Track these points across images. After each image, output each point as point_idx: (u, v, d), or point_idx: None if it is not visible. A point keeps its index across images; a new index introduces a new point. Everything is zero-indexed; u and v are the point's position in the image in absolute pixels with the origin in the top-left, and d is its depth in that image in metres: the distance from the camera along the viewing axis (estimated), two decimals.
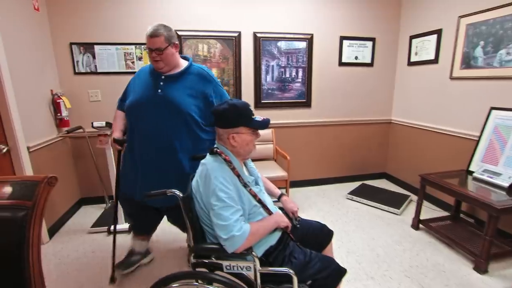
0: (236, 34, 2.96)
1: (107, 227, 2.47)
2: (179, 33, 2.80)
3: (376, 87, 3.50)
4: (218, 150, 1.25)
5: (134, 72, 2.77)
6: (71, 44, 2.65)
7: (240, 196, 1.19)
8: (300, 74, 3.20)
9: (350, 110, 3.47)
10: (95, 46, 2.68)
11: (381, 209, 2.88)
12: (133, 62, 2.79)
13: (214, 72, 3.00)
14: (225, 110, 1.22)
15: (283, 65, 3.14)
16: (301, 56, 3.15)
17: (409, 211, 2.83)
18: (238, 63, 3.03)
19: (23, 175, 2.13)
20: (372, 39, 3.33)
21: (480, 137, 2.39)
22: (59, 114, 2.58)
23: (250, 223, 1.17)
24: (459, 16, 2.63)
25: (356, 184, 3.48)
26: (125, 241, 2.29)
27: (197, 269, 1.29)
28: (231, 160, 1.24)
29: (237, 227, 1.10)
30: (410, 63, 3.28)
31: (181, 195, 1.23)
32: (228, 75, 3.05)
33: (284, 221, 1.30)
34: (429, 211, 2.81)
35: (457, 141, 2.72)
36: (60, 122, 2.61)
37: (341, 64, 3.31)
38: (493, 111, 2.35)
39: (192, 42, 2.87)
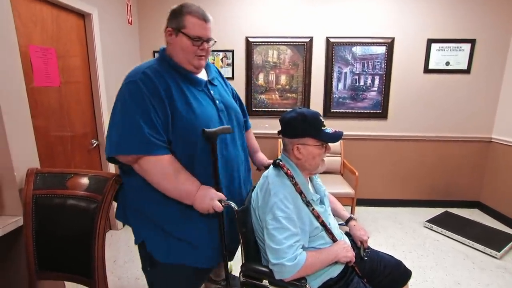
0: (307, 40, 2.85)
1: None
2: (250, 39, 2.84)
3: (473, 98, 2.93)
4: (280, 162, 1.15)
5: None
6: (154, 52, 2.94)
7: (300, 217, 1.07)
8: (377, 82, 2.89)
9: (437, 125, 2.98)
10: None
11: (472, 247, 2.34)
12: None
13: (283, 79, 2.95)
14: (292, 118, 1.12)
15: (357, 72, 2.89)
16: (378, 62, 2.85)
17: None
18: (308, 70, 2.91)
19: (101, 169, 2.42)
20: (471, 41, 2.80)
21: None
22: None
23: (308, 253, 1.04)
24: None
25: (437, 211, 2.95)
26: None
27: None
28: (294, 174, 1.12)
29: (290, 256, 0.98)
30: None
31: (236, 208, 1.11)
32: (297, 82, 2.95)
33: (347, 256, 1.12)
34: None
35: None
36: None
37: (427, 71, 2.87)
38: None
39: (262, 48, 2.88)
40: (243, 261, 1.17)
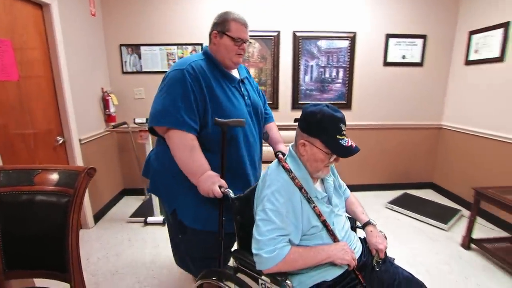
0: (275, 34, 2.93)
1: (144, 218, 2.61)
2: None
3: (425, 89, 3.21)
4: (279, 155, 1.14)
5: None
6: (121, 45, 2.85)
7: (295, 212, 1.02)
8: (341, 74, 3.06)
9: (395, 114, 3.23)
10: (141, 47, 2.86)
11: (426, 223, 2.62)
12: (174, 62, 2.91)
13: (252, 72, 3.01)
14: (311, 113, 1.04)
15: (323, 65, 3.03)
16: (342, 56, 3.01)
17: (459, 227, 2.53)
18: (276, 63, 3.00)
19: (68, 165, 2.34)
20: (423, 36, 3.06)
21: None
22: (107, 110, 2.80)
23: (293, 248, 1.00)
24: None
25: (397, 193, 3.22)
26: (159, 232, 2.43)
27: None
28: (294, 168, 1.08)
29: (269, 248, 0.96)
30: (468, 62, 2.94)
31: (232, 195, 1.16)
32: (265, 75, 3.03)
33: (343, 259, 1.01)
34: (484, 230, 2.49)
35: (507, 149, 2.37)
36: (108, 118, 2.83)
37: (386, 64, 3.09)
38: None
39: None
40: (237, 248, 1.21)
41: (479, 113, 2.82)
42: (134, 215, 2.71)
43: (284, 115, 3.10)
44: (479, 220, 2.53)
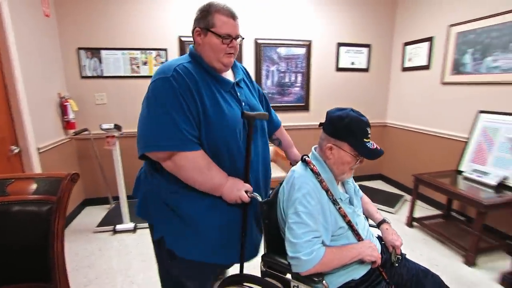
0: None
1: (112, 227, 2.54)
2: (183, 38, 2.91)
3: (372, 92, 3.65)
4: (307, 158, 1.12)
5: (140, 76, 2.89)
6: (79, 49, 2.74)
7: (324, 214, 1.04)
8: (299, 79, 3.33)
9: None
10: (102, 51, 2.78)
11: (378, 208, 2.98)
12: (138, 67, 2.88)
13: None
14: (338, 117, 1.07)
15: (283, 70, 3.26)
16: (300, 62, 3.28)
17: (404, 210, 2.95)
18: None
19: (47, 172, 2.20)
20: (368, 46, 3.48)
21: (469, 139, 2.53)
22: (66, 117, 2.66)
23: (327, 249, 1.02)
24: (450, 25, 2.78)
25: None
26: (131, 239, 2.39)
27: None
28: (321, 171, 1.09)
29: (307, 250, 0.98)
30: (404, 69, 3.43)
31: (260, 199, 1.12)
32: None
33: (372, 255, 1.06)
34: (423, 210, 2.93)
35: (448, 143, 2.86)
36: (67, 125, 2.69)
37: (338, 69, 3.44)
38: (481, 114, 2.49)
39: None
40: (265, 252, 1.18)
41: (415, 112, 3.30)
42: (101, 224, 2.62)
43: None
44: (419, 202, 2.97)
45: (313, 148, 1.19)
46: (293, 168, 1.16)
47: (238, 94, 1.14)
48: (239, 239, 1.16)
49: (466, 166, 2.49)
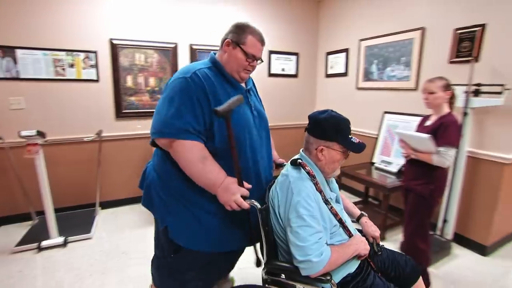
0: (173, 46, 3.10)
1: (36, 244, 2.31)
2: (114, 41, 2.82)
3: (301, 95, 4.03)
4: (302, 162, 1.15)
5: (66, 80, 2.70)
6: None
7: (322, 215, 1.09)
8: None
9: (278, 116, 3.90)
10: (17, 50, 2.51)
11: None
12: (63, 69, 2.68)
13: (152, 81, 3.08)
14: (325, 120, 1.12)
15: None
16: None
17: None
18: (174, 73, 3.16)
19: None
20: (296, 54, 3.84)
21: (378, 135, 3.02)
22: None
23: (331, 248, 1.06)
24: (360, 39, 3.28)
25: None
26: (59, 254, 2.21)
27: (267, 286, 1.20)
28: (315, 174, 1.14)
29: (316, 252, 1.00)
30: (327, 75, 3.88)
31: (259, 206, 1.14)
32: (166, 84, 3.15)
33: (366, 249, 1.15)
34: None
35: (364, 139, 3.31)
36: None
37: (270, 75, 3.73)
38: (386, 115, 3.00)
39: (128, 51, 2.91)
40: (266, 259, 1.19)
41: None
42: (22, 243, 2.35)
43: None
44: (343, 192, 3.39)
45: (301, 151, 1.23)
46: (284, 172, 1.19)
47: (249, 99, 1.27)
48: (243, 224, 1.23)
49: (376, 158, 2.96)
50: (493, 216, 2.25)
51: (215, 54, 1.25)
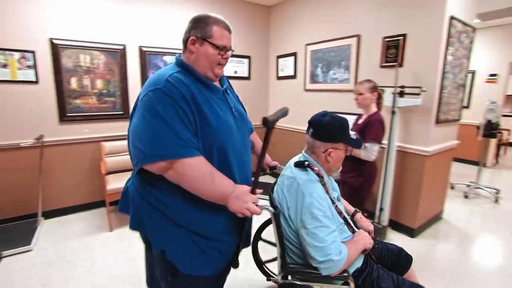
0: (121, 47, 3.04)
1: None
2: (55, 41, 2.69)
3: (255, 97, 4.16)
4: (310, 163, 1.17)
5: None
6: None
7: (332, 214, 1.12)
8: None
9: None
10: None
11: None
12: None
13: (99, 83, 2.99)
14: (329, 123, 1.15)
15: None
16: None
17: None
18: (124, 75, 3.10)
19: None
20: (248, 57, 3.97)
21: None
22: None
23: (346, 245, 1.10)
24: (306, 44, 3.49)
25: None
26: (28, 263, 2.08)
27: None
28: (323, 175, 1.16)
29: (336, 251, 1.02)
30: (278, 78, 4.06)
31: (273, 211, 1.12)
32: (114, 87, 3.07)
33: (371, 243, 1.20)
34: None
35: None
36: None
37: None
38: None
39: (72, 52, 2.79)
40: (281, 263, 1.18)
41: (289, 114, 3.94)
42: None
43: None
44: None
45: (304, 153, 1.26)
46: (288, 174, 1.19)
47: (228, 100, 1.15)
48: (233, 243, 1.15)
49: None
50: (418, 202, 2.56)
51: (180, 56, 1.11)
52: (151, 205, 1.06)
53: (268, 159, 1.51)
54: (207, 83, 1.07)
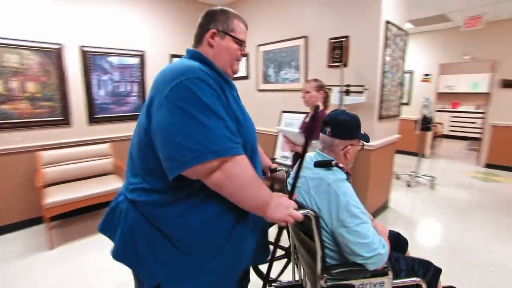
0: (58, 46, 2.76)
1: None
2: None
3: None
4: (339, 163, 1.17)
5: None
6: None
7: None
8: (135, 88, 3.33)
9: None
10: None
11: None
12: None
13: (31, 86, 2.69)
14: (347, 120, 1.19)
15: (116, 80, 3.18)
16: (135, 71, 3.29)
17: None
18: (62, 77, 2.83)
19: None
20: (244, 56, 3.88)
21: (278, 132, 3.30)
22: None
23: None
24: (258, 45, 3.53)
25: None
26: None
27: None
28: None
29: (380, 244, 1.06)
30: (232, 79, 4.04)
31: (314, 214, 1.08)
32: (51, 90, 2.79)
33: (387, 232, 1.28)
34: None
35: (265, 137, 3.60)
36: None
37: None
38: (283, 113, 3.31)
39: None
40: (321, 267, 1.13)
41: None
42: None
43: (81, 131, 2.98)
44: None
45: (320, 152, 1.24)
46: (315, 175, 1.16)
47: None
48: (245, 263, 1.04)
49: (277, 154, 3.24)
50: (367, 193, 2.72)
51: (194, 51, 0.99)
52: (153, 225, 0.89)
53: (268, 162, 1.45)
54: (227, 79, 0.97)
